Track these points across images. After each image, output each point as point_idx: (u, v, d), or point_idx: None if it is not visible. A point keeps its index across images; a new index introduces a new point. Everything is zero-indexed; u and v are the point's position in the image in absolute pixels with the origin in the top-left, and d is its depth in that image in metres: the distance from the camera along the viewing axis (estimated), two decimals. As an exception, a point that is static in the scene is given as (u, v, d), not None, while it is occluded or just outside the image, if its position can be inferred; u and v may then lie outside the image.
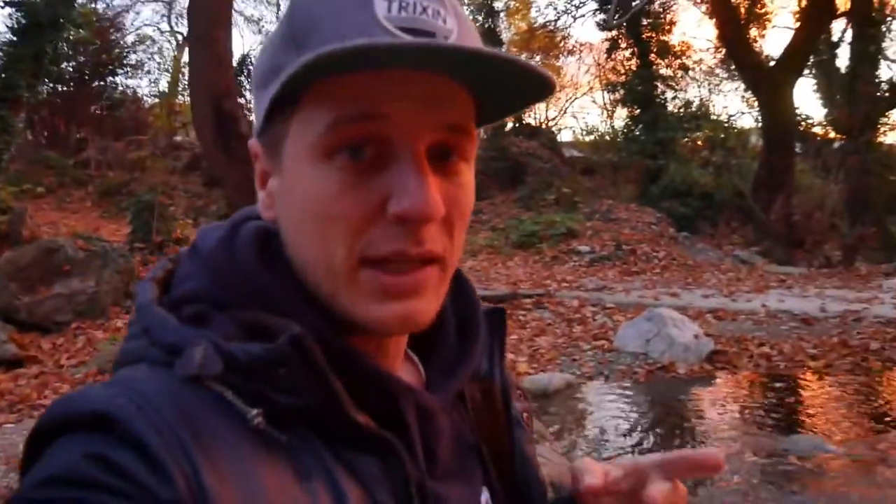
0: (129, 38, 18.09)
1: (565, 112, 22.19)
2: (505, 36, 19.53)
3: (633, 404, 4.99)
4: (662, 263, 10.75)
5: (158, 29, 24.34)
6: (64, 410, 0.44)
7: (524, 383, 4.89)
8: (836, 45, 15.88)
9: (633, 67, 15.65)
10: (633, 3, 14.48)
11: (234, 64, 9.90)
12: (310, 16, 0.48)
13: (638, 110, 15.52)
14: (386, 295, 0.48)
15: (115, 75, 16.90)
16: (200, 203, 13.28)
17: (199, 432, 0.43)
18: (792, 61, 12.97)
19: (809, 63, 14.61)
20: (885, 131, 14.74)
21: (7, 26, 10.79)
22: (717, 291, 8.53)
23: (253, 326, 0.48)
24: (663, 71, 15.82)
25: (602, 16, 15.56)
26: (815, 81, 16.25)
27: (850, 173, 12.48)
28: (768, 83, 12.81)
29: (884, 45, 14.47)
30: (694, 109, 16.38)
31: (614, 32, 15.57)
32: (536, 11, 18.85)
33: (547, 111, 20.92)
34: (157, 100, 17.95)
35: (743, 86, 17.01)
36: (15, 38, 10.66)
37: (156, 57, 21.23)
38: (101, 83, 16.61)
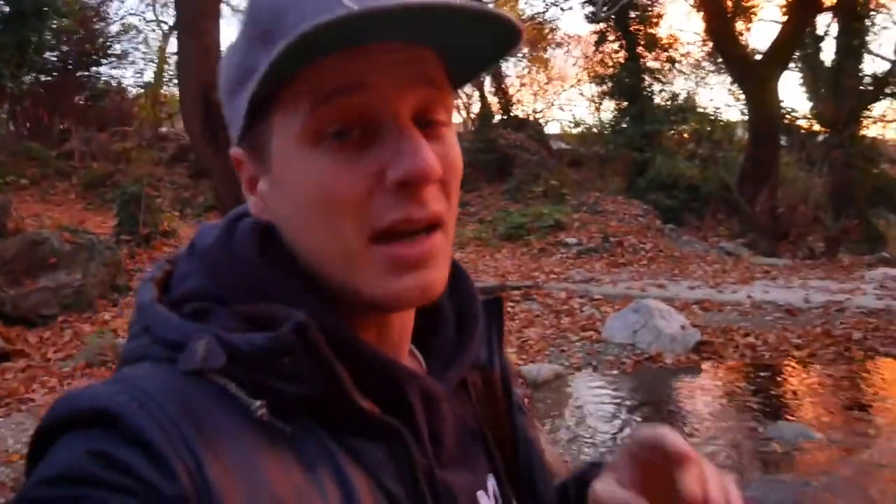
0: (114, 28, 17.86)
1: (553, 104, 22.23)
2: (493, 28, 19.43)
3: (620, 394, 5.04)
4: (649, 255, 10.83)
5: (143, 18, 24.07)
6: (66, 409, 0.44)
7: (513, 374, 4.93)
8: (821, 38, 16.01)
9: (621, 60, 15.69)
10: (621, -4, 14.52)
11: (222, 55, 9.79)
12: (274, 12, 0.48)
13: (625, 103, 15.58)
14: (401, 268, 0.48)
15: (99, 65, 16.69)
16: (187, 195, 13.19)
17: (202, 426, 0.43)
18: (778, 55, 13.06)
19: (795, 57, 14.72)
20: (868, 125, 14.93)
21: (-11, 15, 10.64)
22: (704, 283, 8.61)
23: (255, 318, 0.48)
24: (651, 63, 15.87)
25: (590, 8, 15.55)
26: (800, 75, 16.40)
27: (834, 166, 12.63)
28: (754, 76, 12.90)
29: (867, 39, 14.63)
30: (680, 102, 16.46)
31: (602, 25, 15.60)
32: (525, 3, 18.84)
33: (534, 103, 20.97)
34: (141, 90, 17.75)
35: (729, 79, 17.11)
36: (-2, 27, 10.52)
37: (141, 47, 20.99)
38: (85, 73, 16.41)
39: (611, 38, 15.83)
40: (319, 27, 0.42)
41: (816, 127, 15.51)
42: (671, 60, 16.55)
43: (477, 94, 17.93)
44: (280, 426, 0.44)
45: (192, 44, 6.31)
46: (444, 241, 0.50)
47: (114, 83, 17.40)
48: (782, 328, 6.39)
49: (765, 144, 12.66)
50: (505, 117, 17.60)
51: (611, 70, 16.13)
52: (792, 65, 15.06)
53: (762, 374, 5.38)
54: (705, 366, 5.59)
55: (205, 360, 0.44)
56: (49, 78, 15.33)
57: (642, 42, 15.61)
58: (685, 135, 16.14)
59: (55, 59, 15.45)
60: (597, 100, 18.10)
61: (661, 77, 16.22)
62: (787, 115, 15.41)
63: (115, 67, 18.05)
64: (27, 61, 10.88)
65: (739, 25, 15.10)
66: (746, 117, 14.65)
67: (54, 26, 12.37)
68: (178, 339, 0.46)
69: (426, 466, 0.50)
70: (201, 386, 0.44)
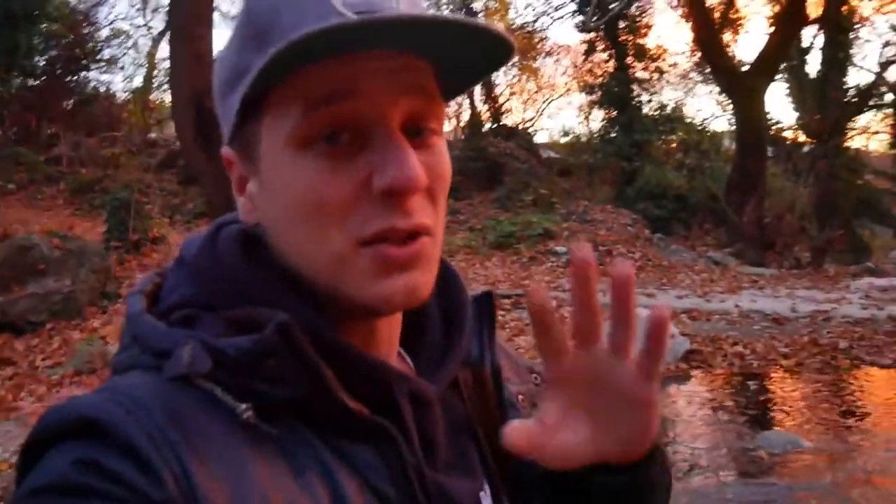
0: (104, 33, 17.79)
1: (542, 113, 22.36)
2: (483, 37, 19.53)
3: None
4: (638, 264, 10.89)
5: (133, 24, 24.01)
6: (54, 419, 0.44)
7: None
8: (807, 51, 16.25)
9: (610, 70, 15.82)
10: (611, 6, 14.66)
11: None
12: (268, 14, 0.48)
13: (614, 112, 15.69)
14: (388, 269, 0.48)
15: (88, 70, 16.60)
16: (176, 201, 13.13)
17: (189, 432, 0.43)
18: (765, 66, 13.23)
19: (781, 68, 14.92)
20: (852, 136, 15.15)
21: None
22: (692, 292, 8.68)
23: (240, 321, 0.48)
24: (639, 74, 16.01)
25: (580, 18, 15.70)
26: (786, 86, 16.62)
27: (820, 177, 12.80)
28: (742, 87, 13.06)
29: (852, 51, 14.87)
30: (668, 112, 16.63)
31: (592, 35, 15.73)
32: (515, 13, 18.97)
33: (524, 112, 21.08)
34: (131, 95, 17.68)
35: (716, 89, 17.31)
36: (-13, 32, 10.45)
37: (130, 52, 20.93)
38: (74, 78, 16.32)
39: (600, 47, 15.96)
40: (311, 35, 0.42)
41: (802, 138, 15.73)
42: (659, 71, 16.71)
43: (467, 102, 18.01)
44: (267, 429, 0.45)
45: (185, 50, 6.32)
46: (431, 246, 0.50)
47: (103, 88, 17.33)
48: (770, 337, 6.46)
49: (752, 155, 12.81)
50: (495, 126, 17.67)
51: (600, 80, 16.26)
52: (778, 76, 15.27)
53: (750, 382, 5.44)
54: (694, 374, 5.65)
55: (190, 366, 0.44)
56: (37, 82, 15.23)
57: (631, 52, 15.75)
58: (673, 145, 16.29)
59: (44, 63, 15.36)
60: (586, 109, 18.27)
61: (649, 87, 16.38)
62: (774, 126, 15.62)
63: (104, 72, 18.03)
64: (16, 65, 10.82)
65: (727, 37, 15.30)
66: (733, 128, 14.83)
67: (44, 30, 12.29)
68: (165, 346, 0.46)
69: (416, 467, 0.50)
70: (188, 392, 0.44)
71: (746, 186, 12.19)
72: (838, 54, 13.94)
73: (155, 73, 17.83)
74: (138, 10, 19.48)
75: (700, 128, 16.50)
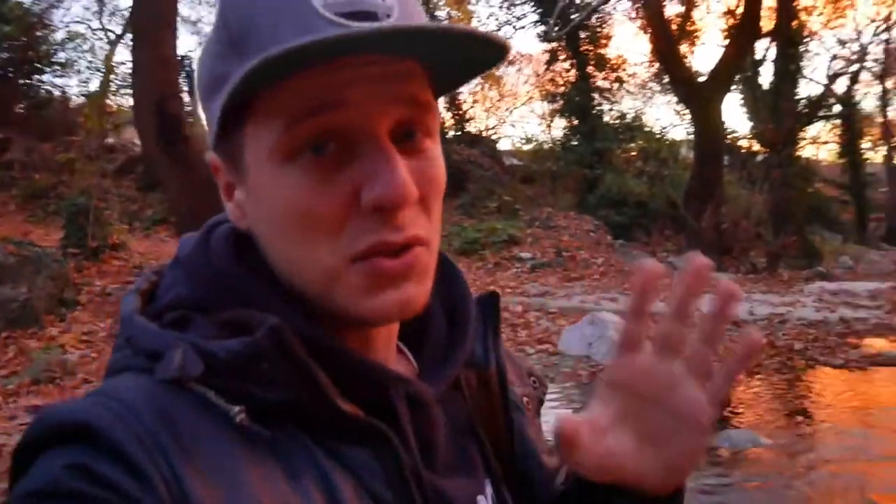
0: (58, 35, 17.35)
1: (505, 121, 22.57)
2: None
3: (578, 405, 5.16)
4: (601, 269, 11.09)
5: (89, 27, 23.43)
6: (45, 423, 0.43)
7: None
8: (760, 63, 16.80)
9: (572, 79, 16.11)
10: (573, 17, 14.93)
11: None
12: (244, 15, 0.46)
13: (576, 121, 15.98)
14: (381, 282, 0.47)
15: (42, 73, 16.17)
16: (135, 208, 12.87)
17: (181, 435, 0.42)
18: (721, 77, 13.63)
19: (736, 79, 15.38)
20: (803, 146, 15.70)
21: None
22: (653, 296, 8.86)
23: (232, 324, 0.47)
24: (600, 83, 16.34)
25: (542, 28, 15.95)
26: (741, 97, 17.15)
27: (774, 185, 13.20)
28: (699, 97, 13.43)
29: (802, 64, 15.43)
30: (628, 121, 16.99)
31: (554, 45, 16.00)
32: (478, 22, 19.11)
33: (487, 119, 21.26)
34: (86, 99, 17.24)
35: (674, 99, 17.74)
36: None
37: (87, 55, 20.41)
38: (27, 81, 15.87)
39: (562, 57, 16.24)
40: (288, 51, 0.40)
41: (756, 147, 16.23)
42: (619, 80, 17.07)
43: (431, 109, 18.05)
44: (261, 431, 0.44)
45: (148, 54, 6.23)
46: (425, 256, 0.49)
47: (57, 92, 16.89)
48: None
49: (709, 163, 13.16)
50: (458, 133, 17.79)
51: (562, 88, 16.54)
52: (733, 87, 15.74)
53: (711, 383, 5.58)
54: (657, 376, 5.77)
55: (182, 369, 0.44)
56: (-12, 85, 14.78)
57: (592, 62, 16.07)
58: (633, 153, 16.63)
59: (-5, 66, 14.92)
60: (548, 117, 18.52)
61: (610, 96, 16.72)
62: (730, 136, 16.08)
63: (59, 76, 17.47)
64: (-33, 68, 10.47)
65: (683, 48, 15.71)
66: (691, 137, 15.21)
67: (-4, 32, 11.94)
68: (156, 348, 0.46)
69: (413, 469, 0.49)
70: (180, 395, 0.44)
71: (704, 193, 12.51)
72: (789, 67, 14.45)
73: (112, 76, 17.44)
74: (95, 13, 19.04)
75: (659, 136, 16.90)
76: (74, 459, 0.40)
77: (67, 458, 0.41)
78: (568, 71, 16.26)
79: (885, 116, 24.22)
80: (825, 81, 21.16)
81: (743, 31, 13.53)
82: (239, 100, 0.44)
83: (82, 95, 17.34)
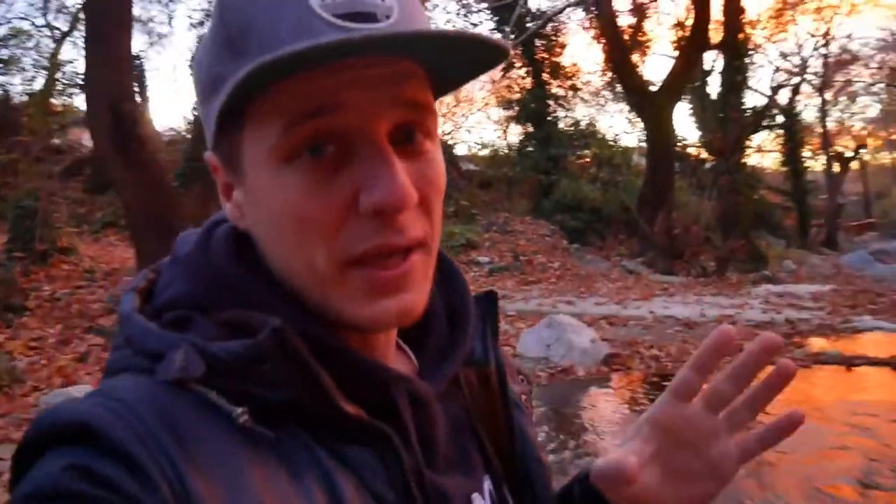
0: (0, 31, 16.71)
1: (461, 127, 22.70)
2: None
3: (537, 406, 5.24)
4: (557, 273, 11.28)
5: (34, 23, 22.62)
6: (45, 424, 0.43)
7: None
8: (708, 73, 17.36)
9: (528, 86, 16.33)
10: (529, 25, 15.17)
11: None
12: (243, 16, 0.45)
13: (531, 127, 16.21)
14: (377, 292, 0.47)
15: (-18, 71, 15.57)
16: (83, 210, 12.50)
17: (183, 436, 0.42)
18: (672, 87, 14.03)
19: (685, 89, 15.85)
20: (749, 154, 16.27)
21: None
22: (609, 299, 9.07)
23: (234, 325, 0.47)
24: (555, 90, 16.61)
25: (499, 35, 16.13)
26: (690, 106, 17.67)
27: (722, 191, 13.65)
28: (651, 106, 13.79)
29: (748, 75, 15.99)
30: (583, 128, 17.31)
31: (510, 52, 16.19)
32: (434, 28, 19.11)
33: (444, 125, 21.34)
34: (30, 98, 16.63)
35: (626, 107, 18.16)
36: None
37: (31, 53, 19.71)
38: (-34, 79, 15.25)
39: (518, 64, 16.44)
40: (284, 57, 0.40)
41: (705, 155, 16.73)
42: (574, 88, 17.38)
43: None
44: (264, 432, 0.44)
45: (102, 53, 6.07)
46: (423, 262, 0.49)
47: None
48: (682, 340, 6.85)
49: (661, 170, 13.53)
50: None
51: (517, 95, 16.75)
52: (683, 96, 16.20)
53: (666, 383, 5.69)
54: (614, 377, 5.91)
55: (183, 370, 0.43)
56: (-75, 83, 14.13)
57: (547, 70, 16.33)
58: (587, 159, 16.96)
59: (-68, 63, 14.28)
60: (504, 123, 18.72)
61: (564, 104, 17.01)
62: (679, 144, 16.55)
63: (1, 73, 16.85)
64: None
65: (635, 58, 16.10)
66: (643, 144, 15.61)
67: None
68: (157, 349, 0.46)
69: (415, 469, 0.49)
70: (181, 395, 0.43)
71: (657, 199, 12.85)
72: (736, 78, 14.95)
73: (58, 75, 16.89)
74: (39, 9, 18.41)
75: (612, 144, 17.27)
76: (75, 460, 0.40)
77: (68, 459, 0.40)
78: (524, 78, 16.48)
79: (824, 127, 25.32)
80: (769, 92, 22.01)
81: (692, 43, 13.97)
82: (236, 101, 0.44)
83: (26, 94, 16.75)
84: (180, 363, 0.44)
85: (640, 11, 16.92)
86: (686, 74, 14.34)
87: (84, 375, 5.42)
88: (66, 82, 15.97)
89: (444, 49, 0.45)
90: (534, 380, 5.75)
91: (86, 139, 15.40)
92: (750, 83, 16.99)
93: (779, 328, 7.36)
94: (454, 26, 18.73)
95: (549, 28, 16.30)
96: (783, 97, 22.09)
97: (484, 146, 19.92)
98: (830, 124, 26.54)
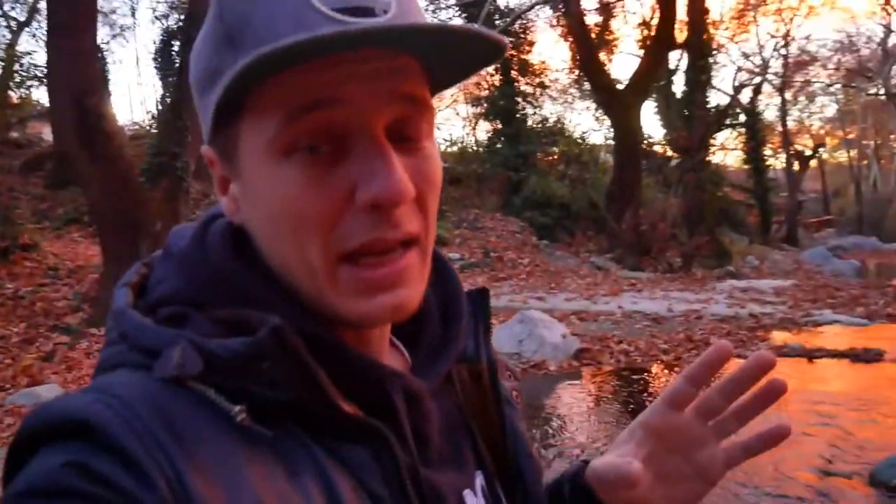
0: (-47, 22, 16.15)
1: (430, 123, 22.69)
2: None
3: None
4: (527, 269, 11.38)
5: (-13, 14, 21.92)
6: (40, 420, 0.42)
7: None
8: (673, 72, 17.67)
9: (496, 83, 16.42)
10: (497, 22, 15.24)
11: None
12: (240, 10, 0.45)
13: (500, 124, 16.30)
14: (372, 288, 0.47)
15: (-66, 63, 15.03)
16: (44, 206, 12.18)
17: (181, 434, 0.42)
18: (639, 85, 14.24)
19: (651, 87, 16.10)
20: (713, 152, 16.60)
21: None
22: (578, 295, 9.19)
23: (231, 322, 0.47)
24: (524, 88, 16.73)
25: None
26: (655, 104, 17.95)
27: (687, 189, 13.90)
28: (619, 104, 13.99)
29: (712, 74, 16.30)
30: (551, 125, 17.47)
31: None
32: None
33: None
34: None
35: (593, 105, 18.37)
36: None
37: (-15, 44, 19.10)
38: (-81, 70, 14.72)
39: (487, 61, 16.49)
40: (280, 49, 0.40)
41: (670, 152, 17.03)
42: (542, 86, 17.53)
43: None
44: (261, 431, 0.44)
45: (66, 45, 5.93)
46: (418, 258, 0.49)
47: (-47, 83, 15.72)
48: (650, 335, 6.99)
49: (629, 167, 13.74)
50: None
51: (486, 92, 16.83)
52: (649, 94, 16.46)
53: (635, 376, 5.87)
54: (585, 371, 6.00)
55: (181, 367, 0.43)
56: None
57: (516, 67, 16.43)
58: (555, 156, 17.12)
59: None
60: (472, 120, 18.79)
61: (533, 101, 17.14)
62: (646, 141, 16.81)
63: (-46, 65, 16.30)
64: None
65: (602, 56, 16.30)
66: (610, 142, 15.81)
67: None
68: (154, 345, 0.45)
69: (411, 466, 0.49)
70: (179, 393, 0.43)
71: (624, 196, 13.05)
72: (700, 77, 15.22)
73: (15, 67, 16.40)
74: (-5, -1, 17.83)
75: (579, 141, 17.46)
76: (73, 457, 0.39)
77: (65, 456, 0.40)
78: (493, 75, 16.56)
79: (784, 126, 25.99)
80: (732, 92, 22.50)
81: (658, 42, 14.20)
82: (234, 95, 0.44)
83: (-18, 87, 16.24)
84: (178, 360, 0.43)
85: (606, 10, 17.15)
86: (652, 73, 14.57)
87: (51, 375, 5.31)
88: (24, 74, 15.51)
89: (441, 44, 0.45)
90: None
91: (46, 133, 15.02)
92: (713, 82, 17.35)
93: (743, 322, 7.56)
94: (423, 22, 18.68)
95: (517, 25, 16.42)
96: (745, 96, 22.65)
97: (453, 143, 19.96)
98: (790, 123, 27.35)
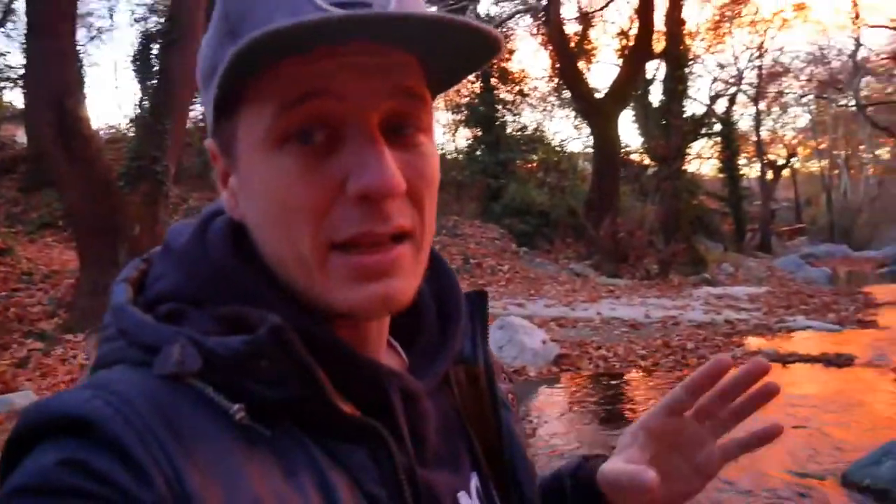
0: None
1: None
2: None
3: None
4: (507, 276, 11.44)
5: (-40, 14, 21.52)
6: (38, 416, 0.42)
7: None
8: (651, 82, 17.92)
9: (477, 90, 16.51)
10: (478, 31, 15.31)
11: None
12: (242, 7, 0.46)
13: (480, 132, 16.39)
14: (361, 277, 0.46)
15: None
16: (17, 210, 11.97)
17: (180, 431, 0.41)
18: (618, 94, 14.42)
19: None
20: (689, 160, 16.84)
21: None
22: (558, 301, 9.26)
23: (230, 320, 0.47)
24: (504, 95, 16.84)
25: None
26: (633, 113, 18.18)
27: (664, 197, 14.09)
28: (598, 113, 14.14)
29: (689, 84, 16.57)
30: (530, 133, 17.60)
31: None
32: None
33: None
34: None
35: (572, 113, 18.55)
36: None
37: (-43, 45, 18.69)
38: None
39: (467, 69, 16.58)
40: (272, 33, 0.40)
41: (647, 161, 17.25)
42: (522, 93, 17.67)
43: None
44: (260, 429, 0.44)
45: (45, 47, 5.87)
46: (412, 252, 0.48)
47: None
48: (629, 341, 7.07)
49: (607, 176, 13.89)
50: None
51: (466, 100, 16.91)
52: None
53: (614, 381, 5.94)
54: (564, 377, 6.06)
55: (180, 364, 0.43)
56: None
57: (496, 74, 16.54)
58: (534, 164, 17.24)
59: None
60: (452, 127, 18.86)
61: (512, 108, 17.27)
62: (623, 150, 17.01)
63: (-75, 66, 15.99)
64: None
65: (581, 65, 16.48)
66: (588, 150, 15.98)
67: None
68: (153, 342, 0.45)
69: (407, 466, 0.49)
70: (178, 390, 0.43)
71: (603, 204, 13.18)
72: (677, 87, 15.47)
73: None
74: (-32, -1, 17.53)
75: (558, 149, 17.62)
76: (70, 454, 0.39)
77: (62, 453, 0.39)
78: (473, 82, 16.64)
79: (758, 135, 26.45)
80: (707, 101, 22.87)
81: (636, 52, 14.39)
82: (231, 87, 0.44)
83: (-46, 88, 15.95)
84: (177, 357, 0.43)
85: (586, 20, 17.36)
86: (630, 82, 14.76)
87: (24, 381, 5.22)
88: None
89: (434, 38, 0.45)
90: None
91: (20, 136, 14.78)
92: (690, 92, 17.65)
93: (719, 328, 7.68)
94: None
95: (498, 34, 16.50)
96: (721, 106, 23.04)
97: (433, 150, 19.97)
98: (764, 133, 27.84)
